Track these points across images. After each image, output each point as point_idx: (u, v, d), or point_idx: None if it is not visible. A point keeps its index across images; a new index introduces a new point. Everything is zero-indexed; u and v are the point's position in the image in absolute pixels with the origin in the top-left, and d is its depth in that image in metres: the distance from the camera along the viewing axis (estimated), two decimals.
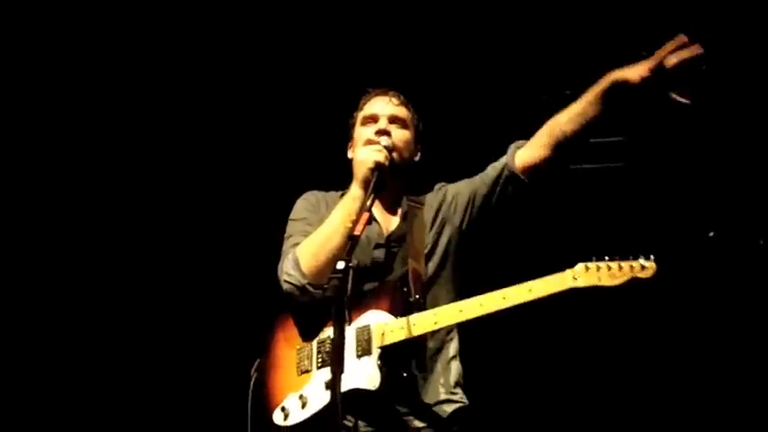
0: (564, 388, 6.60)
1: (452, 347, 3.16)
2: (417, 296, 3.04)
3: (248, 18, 5.47)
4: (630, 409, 6.59)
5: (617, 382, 6.61)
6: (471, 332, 3.23)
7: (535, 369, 6.60)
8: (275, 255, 3.33)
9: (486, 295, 2.94)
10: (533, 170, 3.05)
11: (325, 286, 2.79)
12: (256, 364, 3.21)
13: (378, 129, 3.26)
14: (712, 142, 6.16)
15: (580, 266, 2.81)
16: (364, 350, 2.96)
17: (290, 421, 3.00)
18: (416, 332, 2.93)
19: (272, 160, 6.16)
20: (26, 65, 5.64)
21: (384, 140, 3.19)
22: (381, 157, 3.08)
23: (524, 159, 3.03)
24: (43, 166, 5.97)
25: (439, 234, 3.23)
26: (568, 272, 2.82)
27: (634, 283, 2.77)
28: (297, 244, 3.17)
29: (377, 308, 3.03)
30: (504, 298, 2.88)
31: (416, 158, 3.38)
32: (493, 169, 3.14)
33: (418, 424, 3.03)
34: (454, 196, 3.28)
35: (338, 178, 3.36)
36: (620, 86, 2.75)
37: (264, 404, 3.09)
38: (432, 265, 3.17)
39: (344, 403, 2.64)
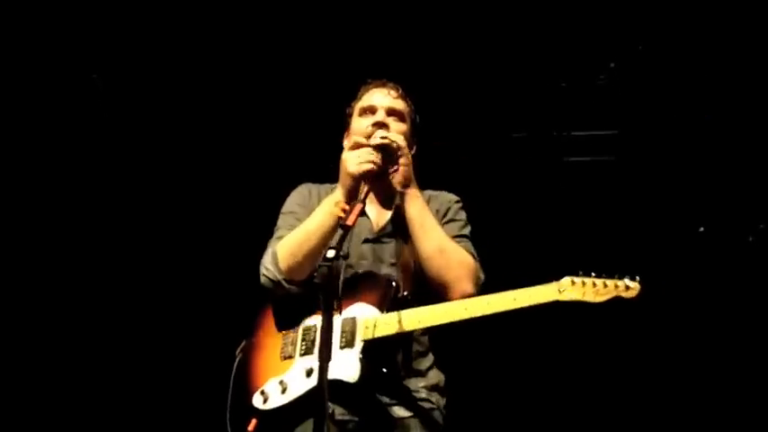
0: (549, 390, 6.64)
1: (434, 353, 3.18)
2: (405, 293, 3.05)
3: (244, 7, 5.46)
4: (621, 407, 6.63)
5: (605, 383, 6.65)
6: (456, 337, 3.22)
7: (521, 372, 6.63)
8: (268, 239, 3.33)
9: (470, 300, 2.95)
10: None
11: (315, 274, 2.71)
12: (242, 345, 3.23)
13: (375, 121, 3.23)
14: (704, 137, 6.18)
15: (566, 280, 2.79)
16: (348, 342, 2.97)
17: (269, 405, 3.02)
18: (400, 329, 2.93)
19: (267, 150, 6.16)
20: (23, 65, 5.64)
21: (380, 133, 3.16)
22: (368, 167, 3.06)
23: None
24: (32, 162, 5.95)
25: None
26: (554, 284, 2.81)
27: (617, 301, 2.76)
28: (281, 238, 3.18)
29: (364, 301, 3.03)
30: (488, 303, 2.88)
31: (412, 152, 3.33)
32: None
33: (397, 413, 3.04)
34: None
35: (335, 169, 3.35)
36: None
37: (246, 386, 3.11)
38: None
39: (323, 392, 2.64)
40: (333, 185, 3.30)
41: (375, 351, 2.96)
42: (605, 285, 2.77)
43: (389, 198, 3.29)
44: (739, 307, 6.70)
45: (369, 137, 3.17)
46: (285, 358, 3.08)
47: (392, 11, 5.49)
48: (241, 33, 5.68)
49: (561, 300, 2.79)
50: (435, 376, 3.18)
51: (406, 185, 3.12)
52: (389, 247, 3.20)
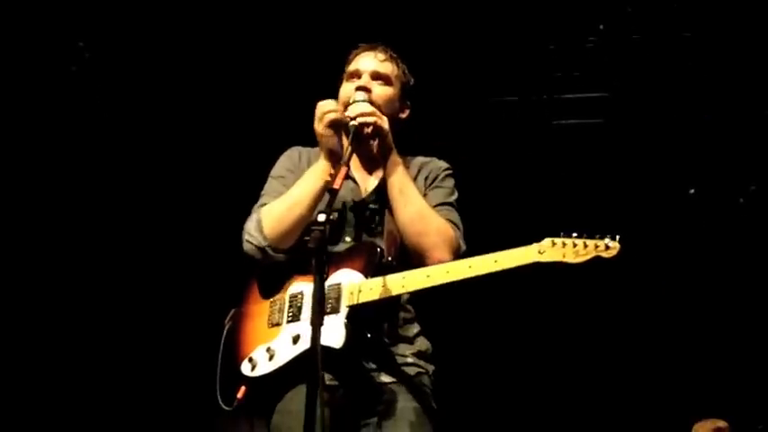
0: (535, 358, 6.68)
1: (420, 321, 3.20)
2: (390, 258, 3.06)
3: None
4: (607, 370, 6.68)
5: (592, 346, 6.69)
6: (443, 305, 3.28)
7: (507, 344, 6.67)
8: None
9: (452, 263, 2.98)
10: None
11: (306, 238, 2.71)
12: (231, 313, 3.25)
13: (357, 85, 3.22)
14: (693, 99, 6.18)
15: (547, 241, 2.83)
16: (333, 308, 2.99)
17: (257, 372, 3.05)
18: (385, 294, 2.95)
19: (255, 114, 6.15)
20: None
21: (359, 95, 3.17)
22: (330, 117, 3.08)
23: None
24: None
25: None
26: (535, 246, 2.84)
27: (597, 261, 2.79)
28: (266, 204, 3.20)
29: (350, 267, 3.05)
30: (469, 267, 2.90)
31: (403, 115, 3.34)
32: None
33: (385, 378, 3.08)
34: (428, 189, 3.31)
35: None
36: None
37: (235, 354, 3.14)
38: None
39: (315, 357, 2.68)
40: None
41: (360, 317, 2.98)
42: (585, 246, 2.80)
43: (375, 163, 3.29)
44: (731, 268, 6.74)
45: (348, 103, 3.18)
46: (272, 325, 3.10)
47: None
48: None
49: (542, 261, 2.82)
50: (423, 343, 3.21)
51: (385, 154, 3.14)
52: (375, 216, 3.22)
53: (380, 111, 3.16)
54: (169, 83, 6.05)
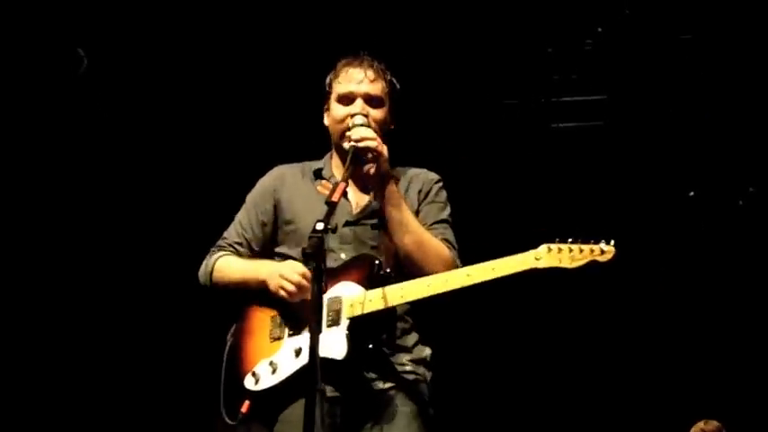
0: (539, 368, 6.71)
1: (420, 330, 3.30)
2: (388, 270, 3.14)
3: None
4: (606, 373, 6.69)
5: (591, 351, 6.71)
6: (442, 312, 3.34)
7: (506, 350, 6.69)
8: None
9: (450, 272, 3.08)
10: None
11: (304, 245, 2.83)
12: (232, 329, 3.33)
13: (354, 113, 3.27)
14: (693, 102, 6.20)
15: (543, 248, 2.91)
16: (334, 320, 3.09)
17: (260, 386, 3.15)
18: (384, 305, 3.06)
19: (256, 116, 6.16)
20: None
21: (359, 119, 3.23)
22: (296, 279, 3.15)
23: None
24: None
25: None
26: (531, 252, 2.92)
27: (593, 265, 2.87)
28: (222, 248, 3.41)
29: (349, 279, 3.14)
30: (468, 275, 3.01)
31: (391, 127, 3.40)
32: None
33: (382, 385, 3.17)
34: (421, 205, 3.37)
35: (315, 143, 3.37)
36: None
37: (238, 369, 3.23)
38: None
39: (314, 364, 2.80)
40: (312, 163, 3.43)
41: (361, 328, 3.07)
42: (581, 251, 2.88)
43: (366, 181, 3.33)
44: (730, 270, 6.75)
45: (346, 127, 3.24)
46: (274, 340, 3.20)
47: None
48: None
49: (539, 267, 2.90)
50: (421, 351, 3.29)
51: (383, 180, 3.21)
52: (370, 230, 3.28)
53: (377, 134, 3.23)
54: (168, 88, 6.07)
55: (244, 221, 3.42)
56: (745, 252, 6.71)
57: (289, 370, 3.12)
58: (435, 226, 3.30)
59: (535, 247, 2.95)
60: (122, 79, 6.02)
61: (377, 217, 3.27)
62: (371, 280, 3.11)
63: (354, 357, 3.06)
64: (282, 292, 3.14)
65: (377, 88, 3.32)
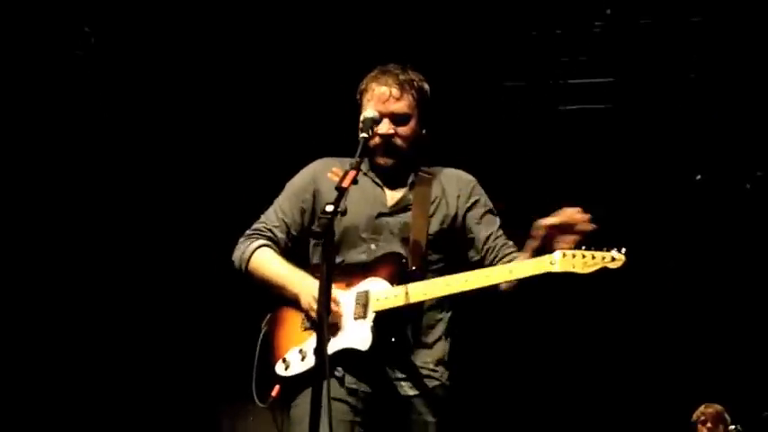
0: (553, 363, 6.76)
1: (441, 327, 3.42)
2: (414, 267, 3.30)
3: None
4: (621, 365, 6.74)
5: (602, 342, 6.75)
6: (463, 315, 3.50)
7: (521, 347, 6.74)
8: None
9: (471, 272, 3.23)
10: None
11: (314, 226, 3.00)
12: (267, 318, 3.48)
13: (382, 133, 3.36)
14: (700, 84, 6.21)
15: (558, 254, 3.05)
16: (361, 314, 3.26)
17: (290, 372, 3.31)
18: (408, 301, 3.22)
19: (272, 101, 6.18)
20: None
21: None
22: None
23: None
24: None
25: (447, 214, 3.44)
26: (547, 257, 3.07)
27: (604, 271, 3.02)
28: (260, 233, 3.48)
29: (377, 276, 3.31)
30: (486, 276, 3.18)
31: (423, 132, 3.48)
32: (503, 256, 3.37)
33: (408, 391, 3.33)
34: (470, 217, 3.46)
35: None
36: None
37: (270, 356, 3.39)
38: (431, 233, 3.40)
39: (336, 355, 3.09)
40: (352, 159, 3.41)
41: (386, 322, 3.24)
42: (593, 258, 3.03)
43: (404, 175, 3.48)
44: (738, 253, 6.78)
45: (375, 144, 3.36)
46: (305, 329, 3.34)
47: None
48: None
49: (553, 271, 3.05)
50: (441, 349, 3.43)
51: None
52: (401, 223, 3.40)
53: (405, 150, 3.40)
54: (175, 68, 6.09)
55: (284, 206, 3.53)
56: (753, 235, 6.73)
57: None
58: (499, 232, 3.44)
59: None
60: (134, 64, 6.04)
61: (408, 211, 3.42)
62: (398, 276, 3.27)
63: (378, 349, 3.22)
64: (312, 313, 3.26)
65: (402, 105, 3.41)
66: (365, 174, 3.43)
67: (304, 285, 3.30)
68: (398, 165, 3.42)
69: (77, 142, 6.22)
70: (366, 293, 3.28)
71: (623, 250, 3.01)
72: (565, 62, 6.32)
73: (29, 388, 6.18)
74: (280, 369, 3.32)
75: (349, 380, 3.26)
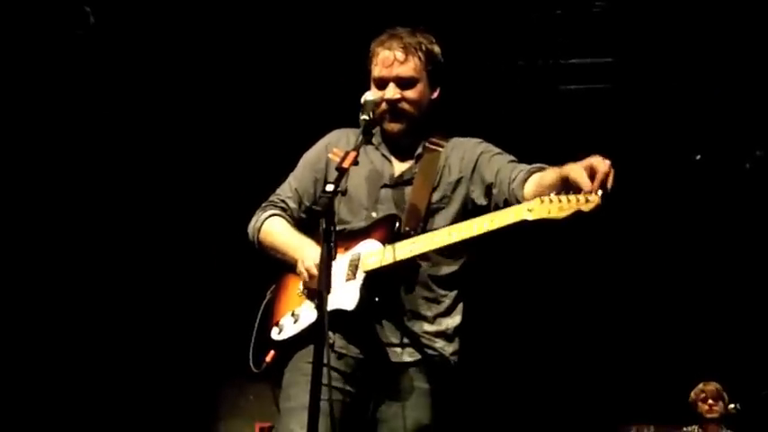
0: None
1: (445, 303, 3.42)
2: (407, 228, 3.32)
3: None
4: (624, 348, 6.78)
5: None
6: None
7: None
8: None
9: (456, 225, 3.24)
10: None
11: (314, 204, 3.18)
12: (272, 287, 3.54)
13: (386, 99, 3.39)
14: (700, 64, 6.23)
15: (535, 200, 3.02)
16: (352, 274, 3.29)
17: (283, 336, 3.36)
18: (394, 258, 3.22)
19: (273, 85, 6.20)
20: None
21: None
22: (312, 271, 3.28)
23: (526, 198, 3.20)
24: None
25: (450, 182, 3.45)
26: (524, 204, 3.07)
27: (578, 215, 2.95)
28: (273, 204, 3.55)
29: (370, 238, 3.34)
30: (469, 227, 3.16)
31: (434, 96, 3.50)
32: (508, 186, 3.31)
33: (400, 357, 3.34)
34: (480, 165, 3.45)
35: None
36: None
37: (267, 321, 3.45)
38: (434, 202, 3.42)
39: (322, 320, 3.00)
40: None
41: (375, 282, 3.25)
42: (568, 201, 2.96)
43: (411, 147, 3.50)
44: (736, 233, 6.82)
45: (383, 110, 3.39)
46: (301, 294, 3.39)
47: None
48: None
49: (530, 219, 3.00)
50: (444, 324, 3.42)
51: None
52: (406, 194, 3.43)
53: (413, 113, 3.41)
54: (176, 47, 6.10)
55: (298, 177, 3.58)
56: (752, 215, 6.77)
57: (308, 320, 3.30)
58: (513, 162, 3.40)
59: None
60: (134, 44, 6.06)
61: (413, 182, 3.43)
62: (391, 237, 3.27)
63: (365, 310, 3.23)
64: (305, 278, 3.30)
65: (407, 69, 3.41)
66: (376, 147, 3.47)
67: (304, 251, 3.32)
68: (408, 129, 3.43)
69: (78, 122, 6.24)
70: (358, 255, 3.31)
71: (600, 192, 2.93)
72: (564, 42, 6.32)
73: (23, 371, 6.22)
74: (274, 334, 3.36)
75: (339, 343, 3.27)
